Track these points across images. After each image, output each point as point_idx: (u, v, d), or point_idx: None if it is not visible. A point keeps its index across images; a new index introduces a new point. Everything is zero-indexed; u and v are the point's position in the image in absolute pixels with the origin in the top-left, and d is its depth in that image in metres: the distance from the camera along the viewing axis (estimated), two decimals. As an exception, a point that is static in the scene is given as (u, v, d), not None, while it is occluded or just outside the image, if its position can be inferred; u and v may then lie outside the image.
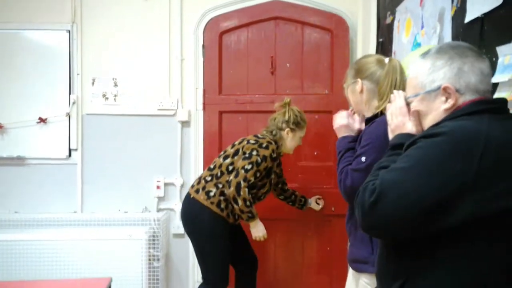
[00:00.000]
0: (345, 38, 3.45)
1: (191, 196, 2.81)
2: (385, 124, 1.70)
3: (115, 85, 3.49)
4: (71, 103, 3.46)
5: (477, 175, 1.12)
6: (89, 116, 3.48)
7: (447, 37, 2.10)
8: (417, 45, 2.45)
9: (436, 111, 1.32)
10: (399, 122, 1.42)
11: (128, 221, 3.38)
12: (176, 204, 3.50)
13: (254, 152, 2.74)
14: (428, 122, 1.35)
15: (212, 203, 2.75)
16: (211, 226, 2.75)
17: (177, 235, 3.52)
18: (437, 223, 1.14)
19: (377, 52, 3.14)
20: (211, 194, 2.76)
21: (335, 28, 3.47)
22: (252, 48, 3.50)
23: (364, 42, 3.35)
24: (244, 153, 2.76)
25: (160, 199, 3.54)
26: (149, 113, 3.50)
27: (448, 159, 1.14)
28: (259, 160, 2.72)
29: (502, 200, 1.12)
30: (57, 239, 3.06)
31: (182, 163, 3.52)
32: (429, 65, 1.33)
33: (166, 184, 3.53)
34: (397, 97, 1.46)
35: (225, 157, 2.82)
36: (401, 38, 2.70)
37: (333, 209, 3.35)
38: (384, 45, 3.03)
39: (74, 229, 3.29)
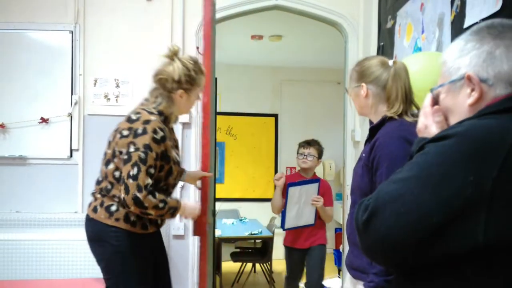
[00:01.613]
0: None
1: (90, 217, 2.19)
2: (397, 141, 1.67)
3: (117, 86, 3.50)
4: (73, 104, 3.48)
5: (494, 188, 0.87)
6: (90, 116, 3.50)
7: (446, 42, 2.11)
8: (417, 49, 2.46)
9: (461, 107, 1.06)
10: (421, 125, 1.18)
11: (129, 221, 3.38)
12: (176, 205, 3.51)
13: (132, 148, 2.06)
14: (453, 122, 1.09)
15: (117, 219, 2.12)
16: (123, 247, 2.12)
17: (177, 236, 3.52)
18: (437, 249, 0.91)
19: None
20: (113, 209, 2.13)
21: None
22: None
23: (365, 46, 3.37)
24: (121, 152, 2.10)
25: (161, 200, 3.54)
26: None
27: (456, 168, 0.91)
28: (142, 155, 2.05)
29: None
30: (58, 239, 3.07)
31: (183, 164, 3.52)
32: (459, 48, 1.07)
33: (166, 185, 3.54)
34: (428, 97, 1.21)
35: (107, 163, 2.18)
36: (403, 42, 2.71)
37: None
38: (385, 49, 3.04)
39: (75, 229, 3.29)
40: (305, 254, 3.53)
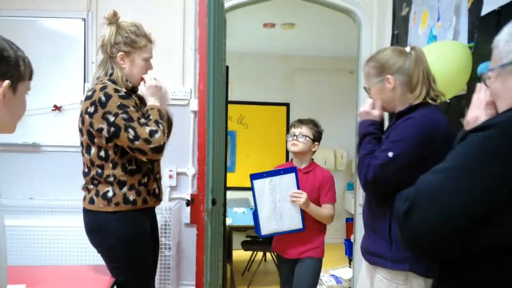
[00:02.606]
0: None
1: (87, 209, 2.15)
2: (424, 125, 1.68)
3: (129, 74, 3.50)
4: (85, 92, 3.49)
5: None
6: (103, 104, 3.50)
7: (463, 30, 2.07)
8: (432, 37, 2.42)
9: (510, 92, 1.00)
10: (471, 117, 1.15)
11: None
12: (188, 194, 3.52)
13: (111, 118, 2.02)
14: (501, 108, 1.04)
15: (117, 204, 2.09)
16: (127, 234, 2.11)
17: (188, 225, 3.54)
18: (480, 240, 0.89)
19: (392, 44, 3.11)
20: (109, 195, 2.09)
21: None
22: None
23: (379, 34, 3.32)
24: (100, 130, 2.04)
25: (172, 188, 3.56)
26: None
27: (497, 159, 0.88)
28: (125, 116, 2.02)
29: None
30: (71, 226, 3.09)
31: (195, 153, 3.53)
32: (511, 31, 1.03)
33: (178, 174, 3.55)
34: (478, 87, 1.18)
35: (87, 150, 2.14)
36: (417, 30, 2.67)
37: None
38: (399, 38, 3.00)
39: (87, 216, 3.32)
40: (294, 267, 2.74)
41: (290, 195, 2.62)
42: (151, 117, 2.12)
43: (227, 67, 3.82)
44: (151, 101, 2.19)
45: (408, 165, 1.68)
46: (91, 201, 2.12)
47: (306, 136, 2.72)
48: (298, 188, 2.62)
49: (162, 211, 3.25)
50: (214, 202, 3.31)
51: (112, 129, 2.01)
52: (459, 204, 0.89)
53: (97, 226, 2.13)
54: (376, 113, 1.87)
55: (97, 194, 2.11)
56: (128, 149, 2.05)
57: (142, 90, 2.25)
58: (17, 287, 2.01)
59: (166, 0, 3.50)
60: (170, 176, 3.53)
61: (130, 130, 2.01)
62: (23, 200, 3.45)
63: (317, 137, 2.77)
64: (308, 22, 5.13)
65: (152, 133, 2.04)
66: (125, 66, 2.17)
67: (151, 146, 2.02)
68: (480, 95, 1.14)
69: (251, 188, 2.71)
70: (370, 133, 1.84)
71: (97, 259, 2.34)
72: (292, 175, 2.64)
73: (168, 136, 2.23)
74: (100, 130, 2.04)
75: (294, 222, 2.64)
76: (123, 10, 3.46)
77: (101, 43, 2.19)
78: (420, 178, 1.00)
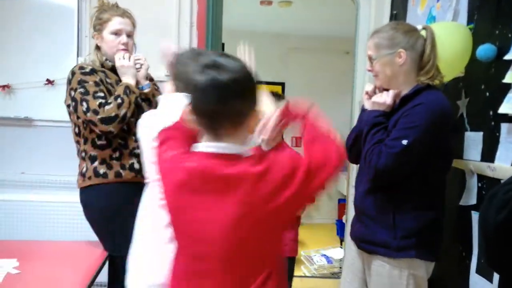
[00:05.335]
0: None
1: (79, 189, 2.27)
2: (436, 111, 1.66)
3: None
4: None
5: None
6: (96, 79, 3.46)
7: (463, 11, 2.05)
8: (431, 18, 2.40)
9: None
10: None
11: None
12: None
13: (72, 93, 2.14)
14: None
15: (89, 178, 2.15)
16: (104, 205, 2.15)
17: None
18: None
19: (390, 24, 3.08)
20: (83, 170, 2.18)
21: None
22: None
23: (378, 14, 3.28)
24: (69, 106, 2.18)
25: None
26: (157, 79, 3.46)
27: None
28: (82, 90, 2.11)
29: None
30: (63, 201, 3.08)
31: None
32: None
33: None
34: None
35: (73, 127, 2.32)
36: (416, 10, 2.64)
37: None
38: (398, 18, 2.97)
39: (80, 192, 3.31)
40: None
41: None
42: (116, 93, 2.16)
43: (223, 44, 3.78)
44: (123, 80, 2.23)
45: (422, 152, 1.66)
46: (77, 180, 2.27)
47: None
48: None
49: (155, 188, 3.24)
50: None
51: (73, 103, 2.13)
52: None
53: (82, 202, 2.24)
54: (391, 104, 1.81)
55: (80, 173, 2.25)
56: (84, 123, 2.14)
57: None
58: (8, 261, 2.01)
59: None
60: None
61: (84, 103, 2.08)
62: (15, 175, 3.42)
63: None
64: (305, 1, 5.07)
65: (102, 104, 2.08)
66: (100, 44, 2.27)
67: (99, 116, 2.06)
68: None
69: None
70: (380, 123, 1.78)
71: (90, 235, 2.34)
72: None
73: (127, 110, 2.14)
74: (68, 106, 2.18)
75: None
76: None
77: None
78: None
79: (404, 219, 1.73)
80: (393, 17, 3.08)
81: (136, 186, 2.21)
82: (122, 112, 2.09)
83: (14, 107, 3.45)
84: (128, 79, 2.22)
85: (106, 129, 2.09)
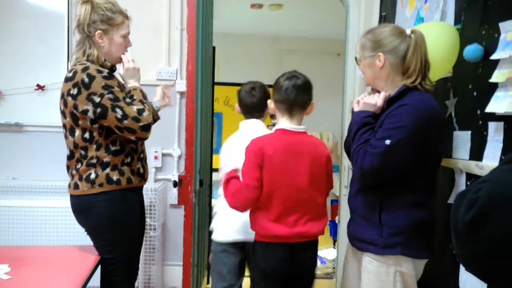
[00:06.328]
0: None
1: (73, 195, 2.14)
2: (420, 111, 1.67)
3: (114, 53, 3.45)
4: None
5: None
6: (87, 84, 3.45)
7: (450, 12, 2.06)
8: (420, 19, 2.41)
9: None
10: None
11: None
12: (173, 175, 3.51)
13: (97, 99, 2.00)
14: None
15: (101, 185, 2.07)
16: (115, 212, 2.11)
17: (173, 205, 3.53)
18: None
19: (379, 26, 3.10)
20: (92, 177, 2.07)
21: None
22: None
23: (367, 16, 3.31)
24: (85, 112, 2.01)
25: (158, 169, 3.54)
26: (147, 83, 3.46)
27: None
28: (110, 96, 2.01)
29: None
30: (54, 206, 3.07)
31: (180, 134, 3.51)
32: None
33: (163, 155, 3.53)
34: None
35: (71, 132, 2.11)
36: (405, 12, 2.66)
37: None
38: (387, 19, 2.98)
39: (72, 196, 3.30)
40: None
41: None
42: (135, 97, 2.12)
43: (213, 48, 3.79)
44: (131, 83, 2.19)
45: (405, 152, 1.68)
46: (76, 187, 2.11)
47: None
48: None
49: (148, 192, 3.24)
50: (201, 183, 3.31)
51: (99, 110, 2.00)
52: None
53: (85, 208, 2.12)
54: (381, 106, 1.84)
55: (80, 178, 2.09)
56: (116, 129, 2.04)
57: (119, 71, 2.23)
58: (0, 267, 2.00)
59: (151, -22, 3.44)
60: (156, 157, 3.51)
61: (118, 110, 2.00)
62: (6, 180, 3.41)
63: None
64: (296, 3, 5.09)
65: (140, 111, 2.04)
66: (103, 44, 2.13)
67: (140, 124, 2.03)
68: None
69: None
70: (368, 123, 1.81)
71: (81, 240, 2.34)
72: None
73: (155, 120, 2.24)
74: (85, 112, 2.02)
75: None
76: (107, -13, 3.40)
77: (76, 23, 2.15)
78: (494, 176, 0.73)
79: (390, 217, 1.75)
80: (382, 18, 3.09)
81: (139, 191, 2.29)
82: (151, 117, 2.10)
83: (5, 112, 3.45)
84: (136, 82, 2.21)
85: (145, 136, 2.08)
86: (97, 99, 1.99)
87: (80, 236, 2.22)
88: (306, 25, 5.90)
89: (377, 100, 1.83)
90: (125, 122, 2.01)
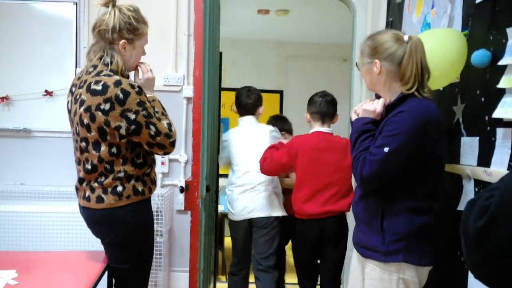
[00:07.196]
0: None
1: (94, 208, 2.04)
2: (418, 118, 1.67)
3: (122, 59, 3.46)
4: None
5: None
6: (95, 90, 3.47)
7: (458, 18, 2.06)
8: (426, 25, 2.41)
9: None
10: None
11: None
12: (180, 180, 3.51)
13: (132, 115, 1.94)
14: None
15: (128, 197, 2.03)
16: (141, 222, 2.11)
17: (180, 211, 3.54)
18: None
19: (386, 31, 3.10)
20: (119, 189, 2.02)
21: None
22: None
23: (374, 21, 3.31)
24: (118, 128, 1.95)
25: (165, 175, 3.55)
26: (154, 89, 3.48)
27: None
28: (145, 112, 1.97)
29: None
30: (62, 212, 3.08)
31: (187, 140, 3.52)
32: None
33: (170, 161, 3.54)
34: None
35: (96, 146, 1.99)
36: (412, 17, 2.65)
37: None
38: (394, 25, 2.98)
39: (79, 202, 3.31)
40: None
41: None
42: (156, 109, 2.11)
43: (220, 53, 3.80)
44: (149, 93, 2.14)
45: (404, 159, 1.69)
46: (99, 200, 2.02)
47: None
48: None
49: (154, 198, 3.25)
50: (208, 189, 3.31)
51: (133, 127, 1.95)
52: None
53: (111, 220, 2.06)
54: (380, 112, 1.84)
55: (105, 191, 2.02)
56: (147, 145, 2.03)
57: (136, 80, 2.19)
58: (7, 272, 2.00)
59: (159, -16, 3.46)
60: (162, 163, 3.52)
61: (152, 127, 1.99)
62: (14, 186, 3.43)
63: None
64: (302, 9, 5.10)
65: (169, 127, 2.07)
66: (125, 54, 2.05)
67: (171, 140, 2.07)
68: None
69: None
70: (368, 130, 1.82)
71: (88, 245, 2.35)
72: None
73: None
74: (117, 128, 1.95)
75: None
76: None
77: (96, 27, 2.03)
78: (505, 182, 0.72)
79: (392, 224, 1.75)
80: (389, 24, 3.09)
81: (150, 199, 2.24)
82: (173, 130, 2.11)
83: (13, 118, 3.47)
84: (153, 92, 2.21)
85: (171, 151, 2.12)
86: (132, 116, 1.94)
87: (88, 242, 2.23)
88: (313, 30, 5.91)
89: (376, 106, 1.84)
90: (158, 138, 2.01)
